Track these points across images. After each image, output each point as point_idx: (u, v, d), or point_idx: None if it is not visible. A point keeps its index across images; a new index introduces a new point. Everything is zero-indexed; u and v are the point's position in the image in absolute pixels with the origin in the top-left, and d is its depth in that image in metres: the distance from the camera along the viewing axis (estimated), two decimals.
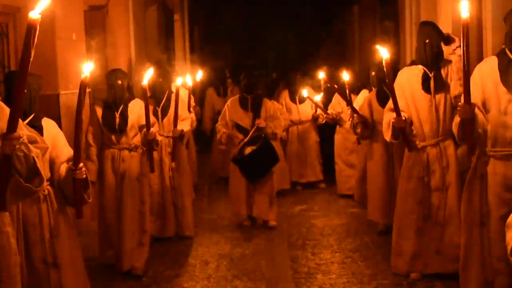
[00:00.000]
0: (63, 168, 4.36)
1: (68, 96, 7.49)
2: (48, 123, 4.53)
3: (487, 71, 4.59)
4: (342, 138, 9.48)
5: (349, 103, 7.87)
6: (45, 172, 4.16)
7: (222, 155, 10.15)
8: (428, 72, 5.61)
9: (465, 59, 4.17)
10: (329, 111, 9.29)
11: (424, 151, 5.67)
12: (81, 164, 4.22)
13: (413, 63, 5.91)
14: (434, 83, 5.59)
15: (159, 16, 13.19)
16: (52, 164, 4.37)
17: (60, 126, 7.18)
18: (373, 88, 7.77)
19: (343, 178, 9.50)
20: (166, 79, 7.53)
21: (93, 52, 8.68)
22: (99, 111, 6.35)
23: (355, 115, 7.47)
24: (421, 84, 5.61)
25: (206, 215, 8.59)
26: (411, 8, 10.44)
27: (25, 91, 4.22)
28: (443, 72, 5.63)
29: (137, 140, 6.33)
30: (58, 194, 4.38)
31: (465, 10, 4.04)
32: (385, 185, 7.22)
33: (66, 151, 4.44)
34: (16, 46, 7.04)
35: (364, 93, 8.64)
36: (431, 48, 5.58)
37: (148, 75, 6.05)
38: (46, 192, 4.30)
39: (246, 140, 7.74)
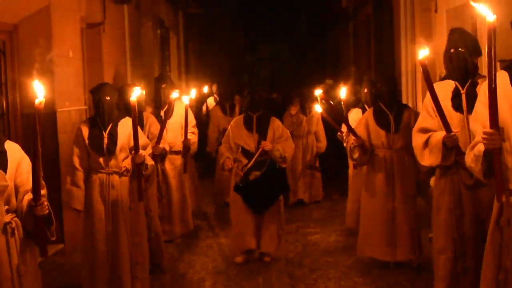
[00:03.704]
0: (26, 199, 3.88)
1: (65, 114, 7.51)
2: (11, 147, 3.93)
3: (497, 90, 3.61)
4: None
5: (347, 123, 6.82)
6: (11, 205, 3.84)
7: (226, 178, 8.92)
8: (460, 88, 4.81)
9: (492, 71, 3.44)
10: (343, 129, 7.96)
11: (456, 178, 4.83)
12: (43, 199, 3.78)
13: (445, 77, 5.05)
14: (466, 100, 4.75)
15: (154, 33, 13.25)
16: (16, 192, 3.87)
17: (57, 143, 7.28)
18: (366, 107, 7.27)
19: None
20: (169, 88, 7.53)
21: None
22: (85, 131, 5.73)
23: (353, 137, 6.47)
24: (451, 102, 4.80)
25: (202, 232, 8.56)
26: (406, 25, 10.51)
27: None
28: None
29: (127, 163, 5.69)
30: (24, 227, 3.91)
31: (490, 13, 3.39)
32: (384, 219, 6.41)
33: (31, 178, 3.84)
34: (13, 63, 7.08)
35: (356, 112, 7.77)
36: (458, 59, 4.80)
37: (136, 92, 5.45)
38: (14, 224, 3.83)
39: (249, 165, 6.88)
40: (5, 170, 3.77)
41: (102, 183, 5.65)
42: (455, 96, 4.79)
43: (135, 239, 5.76)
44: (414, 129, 4.99)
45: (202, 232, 8.57)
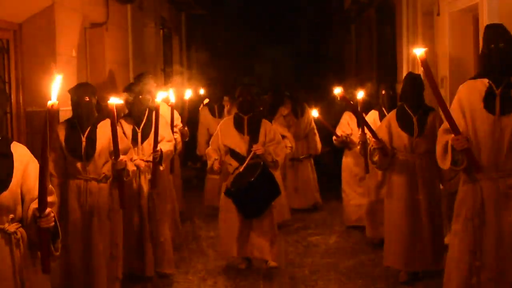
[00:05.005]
0: (32, 207, 3.53)
1: (67, 113, 7.50)
2: (18, 149, 3.62)
3: None
4: (352, 163, 8.36)
5: (367, 124, 6.39)
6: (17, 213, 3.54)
7: (217, 182, 8.49)
8: (494, 87, 4.42)
9: None
10: (338, 133, 8.16)
11: (478, 186, 4.46)
12: (48, 210, 3.42)
13: (478, 75, 4.66)
14: (500, 101, 4.38)
15: (157, 34, 13.27)
16: (22, 200, 3.56)
17: None
18: (383, 109, 7.14)
19: (351, 207, 8.47)
20: (145, 96, 6.46)
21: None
22: (61, 134, 5.43)
23: (373, 139, 6.10)
24: (483, 102, 4.44)
25: (203, 232, 8.57)
26: (408, 28, 10.53)
27: None
28: None
29: (107, 169, 5.38)
30: (29, 237, 3.59)
31: None
32: (407, 227, 6.05)
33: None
34: (17, 61, 7.09)
35: (373, 114, 7.44)
36: (499, 55, 4.38)
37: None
38: (19, 235, 3.52)
39: (241, 169, 6.56)
40: (10, 175, 3.49)
41: (80, 189, 5.34)
42: (488, 96, 4.42)
43: (113, 251, 5.49)
44: (440, 130, 4.64)
45: (202, 232, 8.58)
